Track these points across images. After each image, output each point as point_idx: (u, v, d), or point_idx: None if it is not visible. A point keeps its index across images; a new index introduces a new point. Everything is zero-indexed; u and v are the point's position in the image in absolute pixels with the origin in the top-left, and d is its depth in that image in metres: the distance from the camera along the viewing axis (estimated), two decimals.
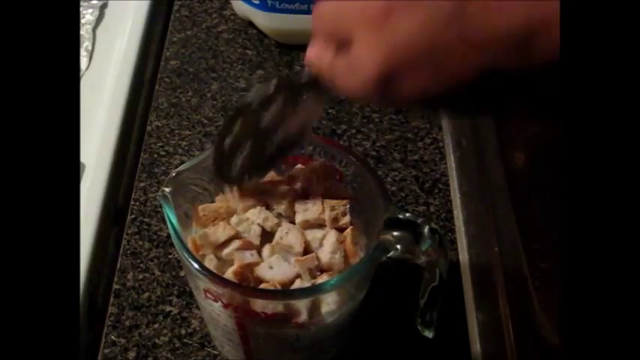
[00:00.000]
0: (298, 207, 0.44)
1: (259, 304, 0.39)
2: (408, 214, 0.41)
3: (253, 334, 0.43)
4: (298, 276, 0.41)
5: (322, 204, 0.43)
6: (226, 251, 0.42)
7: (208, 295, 0.40)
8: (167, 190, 0.41)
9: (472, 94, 0.29)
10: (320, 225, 0.43)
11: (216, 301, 0.40)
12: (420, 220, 0.40)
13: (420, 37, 0.28)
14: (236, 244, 0.42)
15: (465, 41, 0.27)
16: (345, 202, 0.43)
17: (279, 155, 0.42)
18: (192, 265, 0.39)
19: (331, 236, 0.42)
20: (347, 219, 0.43)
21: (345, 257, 0.42)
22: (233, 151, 0.42)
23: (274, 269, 0.41)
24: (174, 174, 0.42)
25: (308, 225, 0.43)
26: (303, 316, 0.41)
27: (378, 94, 0.31)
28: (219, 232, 0.42)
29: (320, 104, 0.41)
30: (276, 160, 0.43)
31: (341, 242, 0.43)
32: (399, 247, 0.40)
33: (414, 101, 0.32)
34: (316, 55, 0.36)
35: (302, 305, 0.40)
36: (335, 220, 0.43)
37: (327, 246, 0.42)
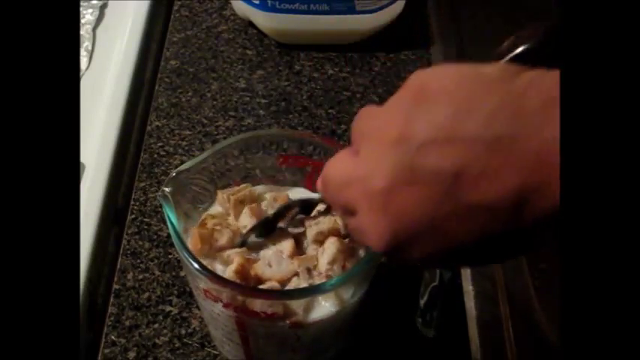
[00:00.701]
0: (308, 222, 0.44)
1: (259, 304, 0.39)
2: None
3: (253, 333, 0.43)
4: (296, 274, 0.41)
5: (332, 213, 0.43)
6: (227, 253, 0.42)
7: (208, 295, 0.40)
8: (167, 190, 0.41)
9: (477, 253, 0.30)
10: (335, 234, 0.43)
11: (216, 301, 0.40)
12: None
13: (421, 211, 0.29)
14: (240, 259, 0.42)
15: (462, 209, 0.28)
16: None
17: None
18: (192, 265, 0.39)
19: (331, 246, 0.42)
20: None
21: (344, 265, 0.42)
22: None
23: (273, 267, 0.41)
24: (174, 174, 0.42)
25: (324, 237, 0.43)
26: (303, 317, 0.41)
27: (388, 259, 0.33)
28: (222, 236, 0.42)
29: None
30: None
31: (342, 251, 0.43)
32: None
33: (425, 263, 0.34)
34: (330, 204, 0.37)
35: (302, 305, 0.40)
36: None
37: (327, 256, 0.42)
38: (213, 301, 0.40)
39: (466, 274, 0.54)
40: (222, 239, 0.43)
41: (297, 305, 0.40)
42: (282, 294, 0.41)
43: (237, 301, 0.40)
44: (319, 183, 0.36)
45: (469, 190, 0.27)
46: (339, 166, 0.34)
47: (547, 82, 0.27)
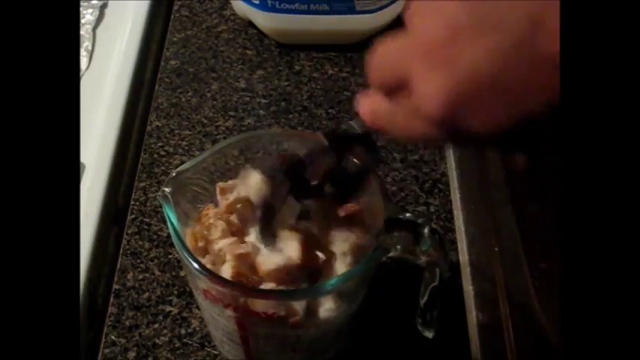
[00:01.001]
0: (337, 236, 0.43)
1: (259, 305, 0.39)
2: (408, 214, 0.41)
3: (253, 334, 0.43)
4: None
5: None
6: (218, 246, 0.42)
7: (208, 295, 0.40)
8: (167, 190, 0.41)
9: (536, 117, 0.27)
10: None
11: (216, 301, 0.40)
12: (420, 220, 0.40)
13: (489, 62, 0.26)
14: (229, 240, 0.42)
15: (537, 61, 0.25)
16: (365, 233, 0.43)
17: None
18: (192, 265, 0.39)
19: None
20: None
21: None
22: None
23: (274, 254, 0.41)
24: (174, 174, 0.42)
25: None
26: (304, 317, 0.41)
27: (445, 132, 0.29)
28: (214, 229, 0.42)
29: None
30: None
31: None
32: (399, 247, 0.40)
33: (485, 138, 0.29)
34: (371, 106, 0.33)
35: (302, 306, 0.40)
36: None
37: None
38: (213, 301, 0.40)
39: (466, 273, 0.55)
40: (216, 233, 0.43)
41: (297, 305, 0.40)
42: (282, 294, 0.41)
43: (238, 302, 0.40)
44: (368, 69, 0.32)
45: (547, 42, 0.25)
46: (388, 42, 0.30)
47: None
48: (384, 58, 0.31)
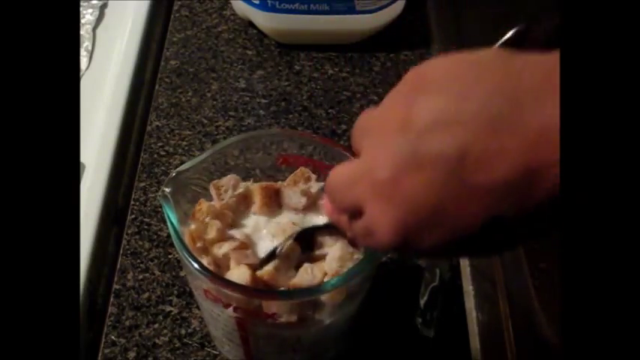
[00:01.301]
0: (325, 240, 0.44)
1: (259, 305, 0.39)
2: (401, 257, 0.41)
3: (253, 334, 0.43)
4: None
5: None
6: (221, 251, 0.42)
7: (208, 295, 0.40)
8: (167, 190, 0.41)
9: (484, 239, 0.30)
10: None
11: (216, 301, 0.40)
12: None
13: (427, 196, 0.28)
14: (232, 244, 0.42)
15: (468, 191, 0.28)
16: None
17: None
18: (192, 265, 0.39)
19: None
20: None
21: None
22: None
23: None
24: (174, 174, 0.42)
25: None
26: (304, 317, 0.41)
27: (398, 252, 0.33)
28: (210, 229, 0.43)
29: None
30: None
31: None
32: None
33: (434, 253, 0.33)
34: (333, 217, 0.37)
35: (302, 306, 0.40)
36: None
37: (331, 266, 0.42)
38: (213, 301, 0.40)
39: (466, 273, 0.55)
40: (212, 232, 0.43)
41: (297, 306, 0.40)
42: (282, 294, 0.41)
43: (238, 302, 0.40)
44: (326, 187, 0.36)
45: (473, 171, 0.27)
46: (342, 170, 0.34)
47: (543, 61, 0.27)
48: (338, 185, 0.34)
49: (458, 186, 0.28)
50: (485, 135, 0.27)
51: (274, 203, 0.45)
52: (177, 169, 0.43)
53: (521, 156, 0.26)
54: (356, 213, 0.33)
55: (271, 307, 0.40)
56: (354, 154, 0.34)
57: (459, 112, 0.28)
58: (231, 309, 0.40)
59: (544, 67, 0.26)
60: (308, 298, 0.41)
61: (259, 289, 0.41)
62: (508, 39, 0.38)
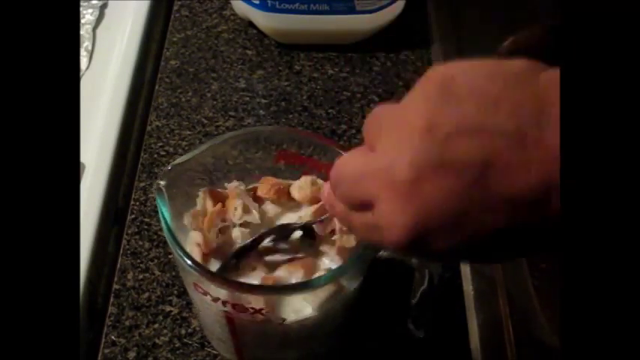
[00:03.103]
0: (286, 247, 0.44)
1: (249, 300, 0.40)
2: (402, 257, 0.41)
3: (242, 329, 0.43)
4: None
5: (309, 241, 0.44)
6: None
7: (198, 288, 0.40)
8: (162, 183, 0.41)
9: (494, 248, 0.30)
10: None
11: (205, 294, 0.40)
12: None
13: (447, 201, 0.28)
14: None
15: (489, 200, 0.28)
16: None
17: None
18: (182, 259, 0.39)
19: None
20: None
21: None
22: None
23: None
24: (169, 167, 0.42)
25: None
26: (294, 313, 0.41)
27: (404, 253, 0.33)
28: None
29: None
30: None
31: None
32: None
33: (441, 257, 0.33)
34: (333, 207, 0.36)
35: (293, 301, 0.40)
36: None
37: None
38: (202, 294, 0.40)
39: (466, 273, 0.54)
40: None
41: (288, 301, 0.40)
42: (273, 290, 0.41)
43: (229, 297, 0.40)
44: (332, 174, 0.35)
45: (497, 181, 0.27)
46: (353, 161, 0.33)
47: None
48: (351, 175, 0.33)
49: (480, 194, 0.28)
50: (512, 147, 0.27)
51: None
52: (173, 162, 0.43)
53: (543, 172, 0.27)
54: (361, 206, 0.32)
55: (259, 302, 0.40)
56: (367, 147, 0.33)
57: (487, 120, 0.28)
58: (220, 303, 0.40)
59: None
60: (298, 293, 0.41)
61: (250, 285, 0.41)
62: (505, 46, 0.39)
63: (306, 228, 0.44)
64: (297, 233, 0.44)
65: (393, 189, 0.30)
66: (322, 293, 0.41)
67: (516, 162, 0.27)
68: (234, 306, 0.40)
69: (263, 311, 0.40)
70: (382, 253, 0.40)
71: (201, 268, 0.39)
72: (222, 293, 0.39)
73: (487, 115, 0.28)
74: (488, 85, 0.28)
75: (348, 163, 0.33)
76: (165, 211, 0.41)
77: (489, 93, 0.28)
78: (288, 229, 0.44)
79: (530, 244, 0.29)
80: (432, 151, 0.28)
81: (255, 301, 0.39)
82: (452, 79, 0.29)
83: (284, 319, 0.41)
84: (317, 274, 0.43)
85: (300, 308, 0.41)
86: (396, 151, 0.30)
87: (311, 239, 0.44)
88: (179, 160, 0.43)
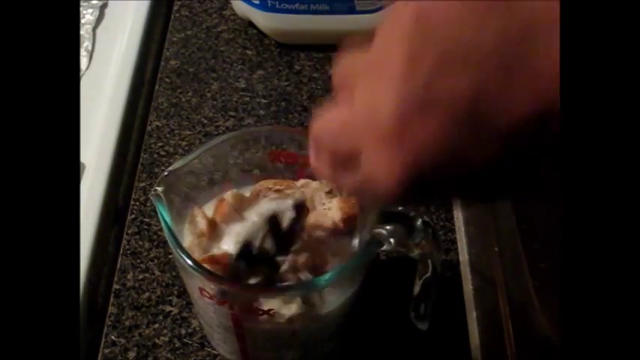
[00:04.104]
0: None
1: (254, 300, 0.39)
2: (400, 207, 0.41)
3: (249, 330, 0.43)
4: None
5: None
6: None
7: (204, 292, 0.40)
8: (159, 189, 0.41)
9: (492, 181, 0.28)
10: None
11: (211, 299, 0.40)
12: (412, 213, 0.40)
13: (439, 140, 0.26)
14: None
15: (483, 133, 0.26)
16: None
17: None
18: (186, 262, 0.39)
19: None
20: None
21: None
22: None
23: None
24: (166, 173, 0.42)
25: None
26: (299, 312, 0.41)
27: (402, 202, 0.32)
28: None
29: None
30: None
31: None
32: (392, 240, 0.40)
33: (440, 199, 0.32)
34: (318, 167, 0.34)
35: (297, 301, 0.40)
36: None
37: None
38: (209, 298, 0.40)
39: (466, 273, 0.55)
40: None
41: (292, 301, 0.40)
42: (277, 290, 0.41)
43: (232, 298, 0.40)
44: (311, 134, 0.33)
45: (488, 112, 0.26)
46: (332, 116, 0.31)
47: (550, 4, 0.25)
48: (329, 129, 0.31)
49: (472, 127, 0.26)
50: (500, 74, 0.25)
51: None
52: (170, 167, 0.43)
53: (536, 98, 0.25)
54: (349, 162, 0.30)
55: (267, 303, 0.40)
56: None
57: (471, 49, 0.26)
58: (226, 306, 0.40)
59: (551, 7, 0.25)
60: (303, 293, 0.41)
61: (254, 285, 0.41)
62: None
63: (298, 206, 0.43)
64: (289, 215, 0.43)
65: (379, 138, 0.28)
66: (328, 291, 0.41)
67: (508, 90, 0.25)
68: (240, 307, 0.40)
69: (271, 312, 0.40)
70: (386, 247, 0.40)
71: (207, 271, 0.39)
72: (229, 295, 0.39)
73: (471, 42, 0.26)
74: (468, 11, 0.26)
75: (327, 119, 0.31)
76: (165, 216, 0.41)
77: (471, 19, 0.26)
78: (278, 216, 0.43)
79: (529, 176, 0.28)
80: (416, 92, 0.26)
81: (262, 302, 0.39)
82: (424, 12, 0.27)
83: (291, 319, 0.41)
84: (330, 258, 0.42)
85: (306, 307, 0.41)
86: (377, 98, 0.28)
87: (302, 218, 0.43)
88: (175, 165, 0.43)
